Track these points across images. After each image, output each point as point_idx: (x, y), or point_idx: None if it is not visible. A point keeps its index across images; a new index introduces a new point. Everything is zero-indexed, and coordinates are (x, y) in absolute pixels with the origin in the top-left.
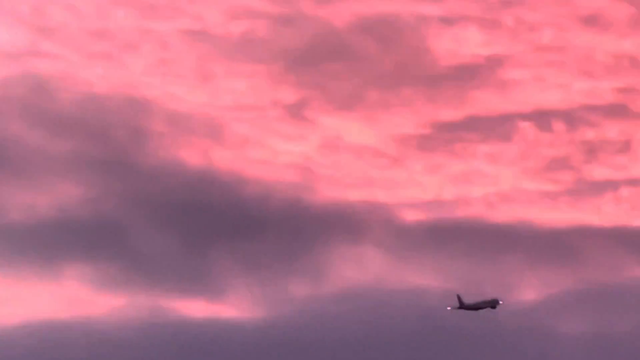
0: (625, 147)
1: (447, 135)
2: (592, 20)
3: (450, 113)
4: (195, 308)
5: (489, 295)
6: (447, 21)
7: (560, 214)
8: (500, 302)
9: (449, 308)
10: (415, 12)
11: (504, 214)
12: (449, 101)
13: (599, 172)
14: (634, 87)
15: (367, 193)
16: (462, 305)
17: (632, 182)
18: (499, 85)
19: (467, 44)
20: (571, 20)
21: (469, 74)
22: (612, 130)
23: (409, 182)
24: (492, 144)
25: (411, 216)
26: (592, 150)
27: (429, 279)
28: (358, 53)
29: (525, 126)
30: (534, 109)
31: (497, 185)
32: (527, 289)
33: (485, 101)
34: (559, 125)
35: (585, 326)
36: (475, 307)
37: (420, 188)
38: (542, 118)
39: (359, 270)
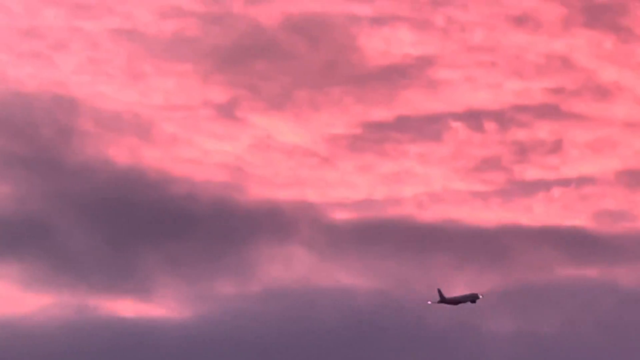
0: (556, 147)
1: (377, 135)
2: (523, 21)
3: (380, 113)
4: (122, 307)
5: (469, 289)
6: (377, 21)
7: (491, 214)
8: (480, 297)
9: (429, 302)
10: (346, 11)
11: (434, 214)
12: (380, 101)
13: (530, 172)
14: (564, 87)
15: (297, 193)
16: (443, 299)
17: (563, 183)
18: (430, 85)
19: (397, 43)
20: (502, 20)
21: (399, 74)
22: (543, 130)
23: (339, 182)
24: (422, 144)
25: (341, 216)
26: (523, 151)
27: (358, 278)
28: (288, 52)
29: (456, 126)
30: (464, 109)
31: (427, 185)
32: (457, 288)
33: (415, 101)
34: (490, 126)
35: (514, 325)
36: (456, 301)
37: (351, 188)
38: (473, 118)
39: (287, 269)
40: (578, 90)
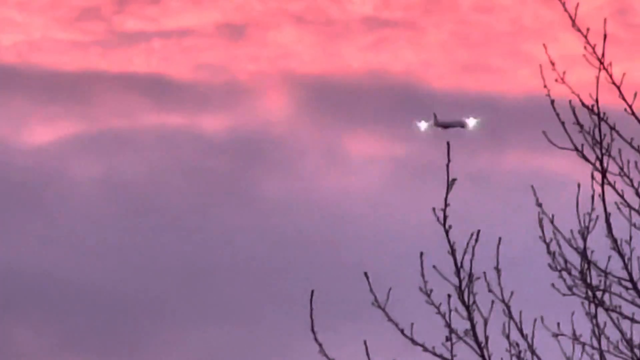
0: None
1: None
2: None
3: None
4: None
5: (459, 116)
6: None
7: (90, 63)
8: (470, 124)
9: (425, 124)
10: None
11: (32, 61)
12: None
13: (129, 23)
14: None
15: None
16: (437, 123)
17: (163, 34)
18: None
19: None
20: None
21: None
22: None
23: None
24: None
25: None
26: (122, 1)
27: None
28: None
29: None
30: None
31: (27, 34)
32: (40, 132)
33: None
34: None
35: (100, 171)
36: (447, 125)
37: None
38: None
39: None
40: None
